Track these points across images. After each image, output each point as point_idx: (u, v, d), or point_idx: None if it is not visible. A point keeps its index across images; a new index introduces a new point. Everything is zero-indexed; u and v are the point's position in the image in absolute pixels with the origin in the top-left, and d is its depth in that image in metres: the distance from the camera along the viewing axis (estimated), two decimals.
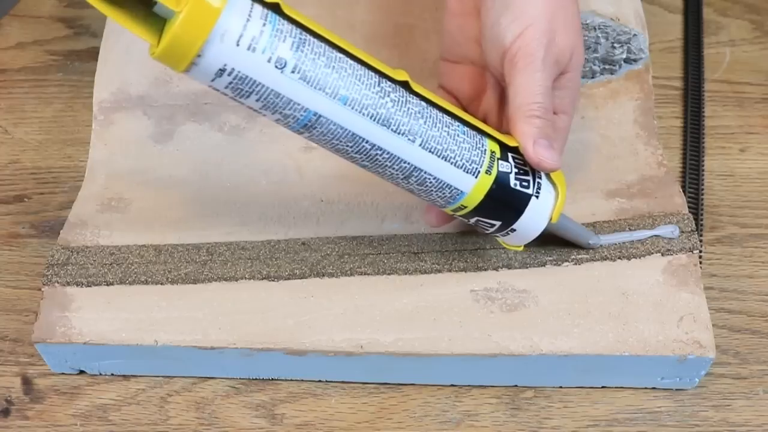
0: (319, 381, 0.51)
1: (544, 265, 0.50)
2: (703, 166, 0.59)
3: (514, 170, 0.44)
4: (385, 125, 0.41)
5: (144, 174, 0.55)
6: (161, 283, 0.50)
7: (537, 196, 0.45)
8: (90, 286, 0.50)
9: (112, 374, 0.51)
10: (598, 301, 0.49)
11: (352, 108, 0.40)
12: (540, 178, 0.45)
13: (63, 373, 0.51)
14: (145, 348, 0.48)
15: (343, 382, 0.51)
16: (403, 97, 0.42)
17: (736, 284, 0.54)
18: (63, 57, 0.66)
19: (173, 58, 0.37)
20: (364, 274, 0.50)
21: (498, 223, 0.45)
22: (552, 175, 0.46)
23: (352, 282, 0.50)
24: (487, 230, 0.46)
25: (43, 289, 0.50)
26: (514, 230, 0.46)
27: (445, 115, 0.43)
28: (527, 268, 0.50)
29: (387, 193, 0.54)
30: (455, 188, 0.44)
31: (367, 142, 0.41)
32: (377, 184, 0.54)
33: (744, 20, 0.68)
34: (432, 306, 0.49)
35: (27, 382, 0.51)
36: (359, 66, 0.40)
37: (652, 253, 0.50)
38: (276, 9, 0.38)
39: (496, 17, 0.46)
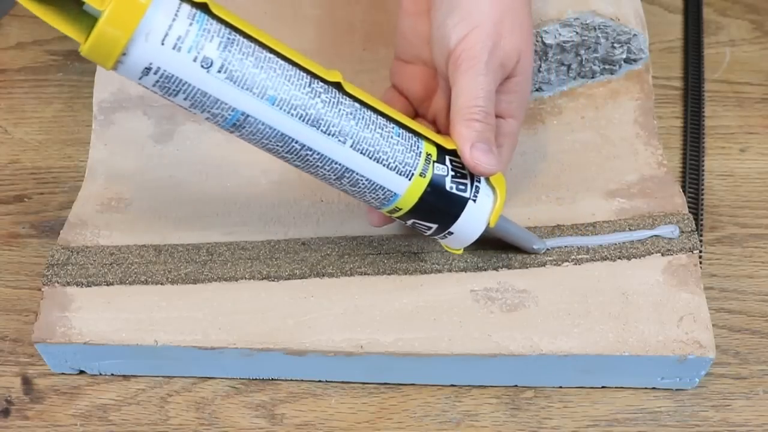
0: (319, 381, 0.51)
1: (544, 265, 0.50)
2: (703, 166, 0.59)
3: (451, 173, 0.44)
4: (314, 126, 0.41)
5: (144, 174, 0.55)
6: (161, 283, 0.50)
7: (474, 200, 0.45)
8: (90, 286, 0.50)
9: (112, 374, 0.51)
10: (598, 301, 0.49)
11: (281, 108, 0.40)
12: (479, 181, 0.45)
13: (63, 373, 0.51)
14: (145, 348, 0.48)
15: (343, 382, 0.51)
16: (335, 98, 0.42)
17: (736, 284, 0.54)
18: (63, 57, 0.66)
19: (99, 55, 0.38)
20: (364, 274, 0.50)
21: (435, 226, 0.45)
22: (492, 179, 0.46)
23: (352, 282, 0.50)
24: (425, 232, 0.46)
25: (43, 289, 0.50)
26: (451, 233, 0.46)
27: (379, 117, 0.43)
28: (527, 268, 0.50)
29: None
30: (388, 190, 0.44)
31: (296, 142, 0.41)
32: None
33: (744, 20, 0.68)
34: (432, 306, 0.49)
35: (27, 382, 0.51)
36: (290, 66, 0.41)
37: (652, 253, 0.50)
38: (204, 8, 0.38)
39: (443, 18, 0.46)
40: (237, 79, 0.39)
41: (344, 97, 0.42)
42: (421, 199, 0.44)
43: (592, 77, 0.59)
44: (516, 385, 0.50)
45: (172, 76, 0.38)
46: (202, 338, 0.48)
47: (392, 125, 0.43)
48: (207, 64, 0.38)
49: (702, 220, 0.57)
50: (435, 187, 0.44)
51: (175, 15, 0.37)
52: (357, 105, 0.42)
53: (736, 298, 0.54)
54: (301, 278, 0.50)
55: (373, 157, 0.43)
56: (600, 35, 0.56)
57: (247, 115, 0.40)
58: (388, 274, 0.50)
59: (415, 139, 0.44)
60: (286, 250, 0.51)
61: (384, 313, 0.49)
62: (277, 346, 0.48)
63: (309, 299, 0.49)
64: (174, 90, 0.39)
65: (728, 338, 0.52)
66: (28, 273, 0.55)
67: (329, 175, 0.43)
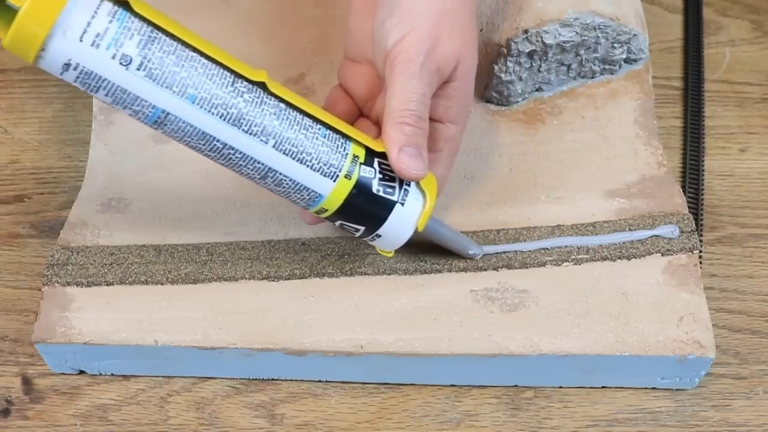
0: (319, 381, 0.51)
1: (544, 265, 0.50)
2: (703, 166, 0.59)
3: (379, 176, 0.44)
4: (236, 125, 0.41)
5: (144, 174, 0.55)
6: (161, 283, 0.50)
7: (403, 204, 0.45)
8: (90, 286, 0.50)
9: (112, 374, 0.51)
10: (598, 301, 0.49)
11: (201, 107, 0.40)
12: (408, 185, 0.45)
13: (63, 373, 0.51)
14: (145, 348, 0.48)
15: (343, 382, 0.51)
16: (258, 98, 0.42)
17: (736, 284, 0.54)
18: None
19: (19, 50, 0.38)
20: (364, 274, 0.50)
21: (362, 228, 0.45)
22: (423, 183, 0.45)
23: (352, 282, 0.50)
24: (355, 234, 0.46)
25: (43, 289, 0.50)
26: (379, 236, 0.46)
27: (305, 118, 0.43)
28: (527, 268, 0.50)
29: None
30: (313, 191, 0.44)
31: (218, 141, 0.42)
32: None
33: (744, 20, 0.68)
34: (432, 306, 0.49)
35: (27, 382, 0.51)
36: (213, 65, 0.41)
37: (652, 253, 0.50)
38: (126, 6, 0.39)
39: (383, 19, 0.45)
40: (156, 77, 0.39)
41: (269, 97, 0.42)
42: (347, 200, 0.44)
43: (592, 77, 0.59)
44: (516, 385, 0.50)
45: (92, 72, 0.39)
46: (202, 338, 0.48)
47: (318, 126, 0.43)
48: (126, 62, 0.39)
49: (702, 220, 0.57)
50: (361, 189, 0.44)
51: (95, 12, 0.38)
52: (282, 105, 0.42)
53: (736, 298, 0.54)
54: (301, 278, 0.50)
55: (296, 158, 0.43)
56: (600, 35, 0.56)
57: (168, 113, 0.40)
58: (388, 274, 0.50)
59: (342, 140, 0.44)
60: (286, 250, 0.51)
61: (384, 313, 0.49)
62: (277, 346, 0.48)
63: (309, 299, 0.49)
64: (94, 86, 0.39)
65: (728, 338, 0.52)
66: (28, 273, 0.55)
67: (253, 174, 0.43)
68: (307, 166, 0.43)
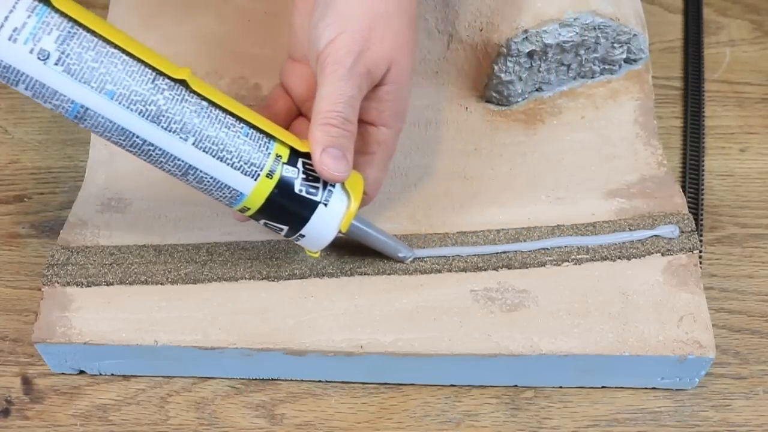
0: (319, 381, 0.51)
1: (544, 265, 0.50)
2: (703, 166, 0.59)
3: (302, 176, 0.44)
4: (155, 122, 0.42)
5: (144, 174, 0.55)
6: (161, 283, 0.50)
7: (326, 204, 0.45)
8: (90, 286, 0.50)
9: (112, 374, 0.51)
10: (598, 301, 0.49)
11: (120, 103, 0.41)
12: (332, 186, 0.45)
13: (63, 373, 0.51)
14: (145, 348, 0.48)
15: (343, 382, 0.51)
16: (179, 95, 0.42)
17: (736, 284, 0.54)
18: None
19: None
20: (364, 274, 0.50)
21: (286, 228, 0.45)
22: (348, 184, 0.45)
23: (352, 282, 0.50)
24: (279, 233, 0.46)
25: (43, 289, 0.50)
26: (303, 236, 0.46)
27: (227, 116, 0.43)
28: (527, 268, 0.50)
29: (388, 194, 0.54)
30: (234, 189, 0.44)
31: (137, 137, 0.42)
32: None
33: (744, 20, 0.68)
34: (432, 306, 0.49)
35: (27, 382, 0.51)
36: (133, 62, 0.41)
37: (652, 253, 0.50)
38: (46, 2, 0.39)
39: (317, 20, 0.46)
40: (74, 73, 0.40)
41: (190, 94, 0.42)
42: (269, 199, 0.44)
43: (592, 77, 0.59)
44: (516, 385, 0.50)
45: (10, 66, 0.39)
46: (202, 338, 0.48)
47: (241, 125, 0.44)
48: (44, 57, 0.39)
49: (702, 220, 0.57)
50: (283, 189, 0.44)
51: (13, 6, 0.38)
52: (204, 103, 0.43)
53: (736, 298, 0.54)
54: (301, 278, 0.50)
55: (216, 156, 0.43)
56: (600, 35, 0.56)
57: (87, 108, 0.41)
58: (388, 274, 0.50)
59: (265, 139, 0.44)
60: (286, 250, 0.51)
61: (384, 313, 0.49)
62: (277, 346, 0.48)
63: (309, 299, 0.49)
64: (14, 80, 0.40)
65: (728, 338, 0.52)
66: (28, 273, 0.55)
67: (175, 171, 0.43)
68: (228, 164, 0.43)
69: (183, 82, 0.42)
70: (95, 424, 0.50)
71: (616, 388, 0.50)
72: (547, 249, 0.51)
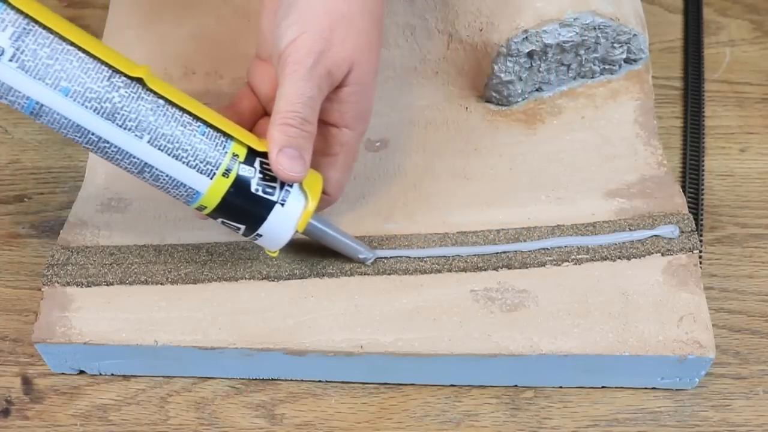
0: (319, 381, 0.51)
1: (544, 265, 0.50)
2: (703, 166, 0.59)
3: (259, 176, 0.44)
4: (110, 119, 0.42)
5: None
6: (161, 283, 0.50)
7: (283, 204, 0.45)
8: (90, 286, 0.50)
9: (112, 374, 0.51)
10: (598, 301, 0.49)
11: (75, 100, 0.41)
12: (290, 186, 0.45)
13: (63, 373, 0.51)
14: (145, 348, 0.48)
15: (343, 382, 0.51)
16: (135, 93, 0.42)
17: (736, 284, 0.54)
18: None
19: None
20: (364, 274, 0.50)
21: (243, 227, 0.46)
22: (306, 184, 0.46)
23: (352, 282, 0.50)
24: (237, 232, 0.46)
25: (43, 289, 0.50)
26: (260, 235, 0.46)
27: (184, 115, 0.43)
28: (527, 268, 0.50)
29: (388, 193, 0.54)
30: (190, 187, 0.44)
31: (93, 134, 0.42)
32: (378, 184, 0.54)
33: (744, 20, 0.68)
34: (432, 306, 0.49)
35: (27, 382, 0.51)
36: (89, 59, 0.41)
37: (652, 253, 0.50)
38: None
39: (279, 20, 0.46)
40: (29, 69, 0.40)
41: (147, 92, 0.43)
42: (225, 199, 0.44)
43: (592, 77, 0.59)
44: (516, 385, 0.50)
45: None
46: (202, 338, 0.48)
47: (198, 124, 0.44)
48: None
49: (702, 220, 0.57)
50: (239, 188, 0.44)
51: None
52: (161, 102, 0.43)
53: (736, 298, 0.54)
54: (301, 278, 0.50)
55: (172, 154, 0.43)
56: (600, 35, 0.56)
57: (42, 105, 0.41)
58: (388, 274, 0.50)
59: (222, 139, 0.44)
60: (286, 250, 0.51)
61: (384, 313, 0.49)
62: (277, 346, 0.48)
63: (309, 299, 0.49)
64: None
65: (728, 338, 0.52)
66: (28, 273, 0.55)
67: (131, 168, 0.44)
68: (183, 162, 0.43)
69: (139, 80, 0.42)
70: (95, 424, 0.50)
71: (616, 388, 0.50)
72: (547, 249, 0.51)
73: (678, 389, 0.50)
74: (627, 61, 0.58)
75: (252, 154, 0.45)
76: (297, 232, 0.46)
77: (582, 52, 0.57)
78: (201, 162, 0.43)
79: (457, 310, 0.49)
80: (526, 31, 0.54)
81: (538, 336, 0.48)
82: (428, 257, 0.50)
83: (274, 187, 0.45)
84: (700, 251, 0.52)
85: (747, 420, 0.49)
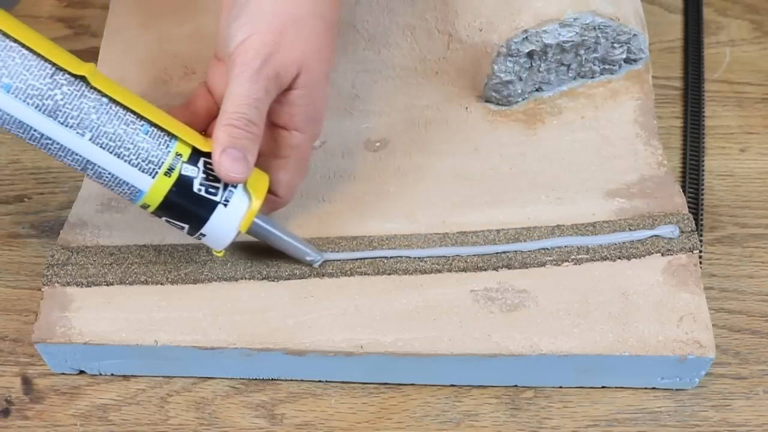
0: (319, 381, 0.51)
1: (544, 265, 0.50)
2: (703, 166, 0.59)
3: (202, 176, 0.45)
4: (52, 116, 0.42)
5: None
6: (161, 283, 0.50)
7: (225, 204, 0.45)
8: (90, 286, 0.50)
9: (112, 374, 0.51)
10: (598, 301, 0.49)
11: (16, 96, 0.41)
12: (234, 187, 0.45)
13: (63, 373, 0.51)
14: (145, 348, 0.48)
15: (343, 382, 0.51)
16: (78, 91, 0.42)
17: (736, 284, 0.54)
18: None
19: None
20: (364, 274, 0.50)
21: (186, 226, 0.46)
22: (251, 186, 0.46)
23: (352, 282, 0.50)
24: (182, 231, 0.46)
25: (43, 289, 0.50)
26: (204, 235, 0.46)
27: (128, 114, 0.44)
28: (527, 268, 0.50)
29: (388, 193, 0.54)
30: (132, 186, 0.44)
31: (35, 130, 0.42)
32: (378, 184, 0.54)
33: (744, 20, 0.68)
34: (432, 306, 0.49)
35: (27, 382, 0.51)
36: (32, 56, 0.42)
37: (652, 253, 0.50)
38: None
39: (231, 20, 0.46)
40: None
41: (90, 90, 0.43)
42: (167, 198, 0.44)
43: (592, 77, 0.59)
44: (516, 385, 0.50)
45: None
46: (202, 338, 0.48)
47: (141, 122, 0.44)
48: None
49: (702, 220, 0.57)
50: (181, 188, 0.44)
51: None
52: (104, 100, 0.43)
53: (736, 298, 0.54)
54: (301, 278, 0.50)
55: (113, 152, 0.43)
56: (600, 35, 0.56)
57: None
58: (388, 274, 0.50)
59: (166, 138, 0.44)
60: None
61: (384, 313, 0.49)
62: (277, 346, 0.48)
63: (309, 299, 0.49)
64: None
65: (728, 338, 0.52)
66: (28, 273, 0.55)
67: (74, 164, 0.44)
68: (125, 160, 0.43)
69: (83, 78, 0.43)
70: (95, 424, 0.50)
71: (616, 388, 0.50)
72: (547, 249, 0.51)
73: (678, 389, 0.50)
74: (627, 61, 0.58)
75: (196, 154, 0.45)
76: (241, 232, 0.46)
77: (582, 52, 0.57)
78: (143, 161, 0.44)
79: (457, 310, 0.49)
80: (526, 31, 0.54)
81: (538, 336, 0.48)
82: (428, 257, 0.50)
83: (217, 188, 0.45)
84: (700, 251, 0.52)
85: (747, 420, 0.49)
